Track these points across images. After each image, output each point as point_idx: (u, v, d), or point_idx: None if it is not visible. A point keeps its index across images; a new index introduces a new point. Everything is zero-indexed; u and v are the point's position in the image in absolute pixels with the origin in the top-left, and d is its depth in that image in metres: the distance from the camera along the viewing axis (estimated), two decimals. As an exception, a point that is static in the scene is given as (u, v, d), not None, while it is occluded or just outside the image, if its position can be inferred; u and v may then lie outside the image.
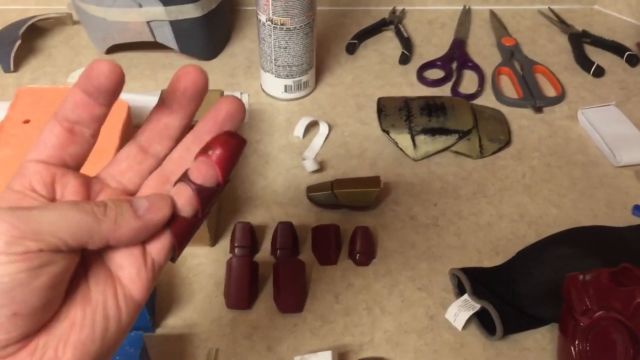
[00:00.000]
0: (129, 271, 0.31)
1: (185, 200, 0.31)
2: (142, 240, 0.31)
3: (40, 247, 0.26)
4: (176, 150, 0.33)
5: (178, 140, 0.33)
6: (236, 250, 0.61)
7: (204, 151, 0.32)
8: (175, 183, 0.32)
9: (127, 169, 0.33)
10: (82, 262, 0.30)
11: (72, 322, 0.28)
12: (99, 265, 0.30)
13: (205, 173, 0.31)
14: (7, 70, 0.82)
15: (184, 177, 0.32)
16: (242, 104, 0.33)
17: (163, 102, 0.32)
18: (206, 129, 0.33)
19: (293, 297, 0.58)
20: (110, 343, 0.30)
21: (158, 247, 0.31)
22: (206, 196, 0.32)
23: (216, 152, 0.32)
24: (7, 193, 0.29)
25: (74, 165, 0.31)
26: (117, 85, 0.29)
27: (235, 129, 0.33)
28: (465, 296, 0.57)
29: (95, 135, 0.31)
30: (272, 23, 0.72)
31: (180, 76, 0.32)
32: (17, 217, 0.26)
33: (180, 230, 0.32)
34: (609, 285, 0.49)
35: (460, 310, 0.57)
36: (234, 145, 0.32)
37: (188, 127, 0.34)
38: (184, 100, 0.32)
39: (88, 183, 0.32)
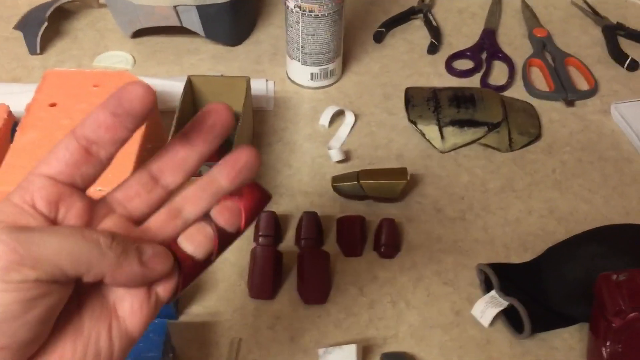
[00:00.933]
0: (130, 304, 0.29)
1: (201, 242, 0.31)
2: (136, 286, 0.29)
3: (39, 277, 0.24)
4: (191, 188, 0.32)
5: (190, 175, 0.32)
6: (260, 239, 0.60)
7: (235, 196, 0.32)
8: (196, 221, 0.31)
9: (134, 196, 0.31)
10: (76, 292, 0.28)
11: (60, 356, 0.27)
12: (95, 296, 0.29)
13: (230, 216, 0.31)
14: (33, 52, 0.82)
15: (206, 217, 0.32)
16: (258, 155, 0.32)
17: (185, 134, 0.31)
18: (224, 173, 0.32)
19: (317, 288, 0.57)
20: None
21: (165, 285, 0.30)
22: (224, 241, 0.32)
23: (244, 199, 0.32)
24: (4, 205, 0.28)
25: (82, 186, 0.29)
26: (149, 110, 0.28)
27: (252, 176, 0.32)
28: (493, 292, 0.56)
29: (110, 159, 0.29)
30: (300, 9, 0.71)
31: (210, 111, 0.31)
32: (17, 239, 0.24)
33: (190, 270, 0.31)
34: (643, 286, 0.48)
35: (487, 307, 0.56)
36: (261, 198, 0.32)
37: (201, 164, 0.32)
38: (209, 136, 0.31)
39: (93, 206, 0.30)
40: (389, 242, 0.61)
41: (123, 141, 0.29)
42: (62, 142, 0.29)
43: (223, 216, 0.31)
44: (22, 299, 0.24)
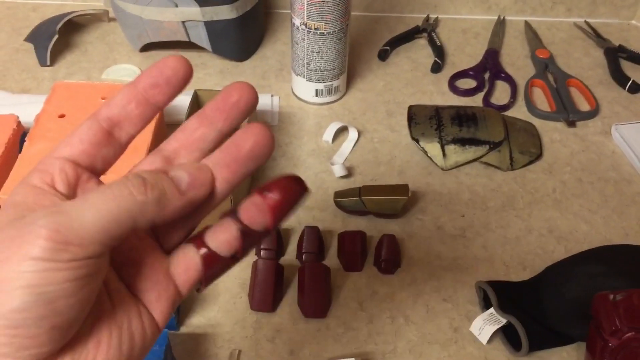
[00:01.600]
0: (149, 296, 0.29)
1: (226, 239, 0.30)
2: (188, 213, 0.28)
3: (88, 253, 0.24)
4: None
5: (208, 153, 0.31)
6: (262, 252, 0.61)
7: (261, 191, 0.29)
8: (223, 216, 0.30)
9: None
10: (106, 285, 0.28)
11: (97, 341, 0.27)
12: (119, 286, 0.29)
13: (254, 216, 0.29)
14: (43, 64, 0.83)
15: (232, 213, 0.30)
16: (271, 137, 0.30)
17: (205, 112, 0.30)
18: (225, 163, 0.30)
19: (317, 302, 0.58)
20: None
21: (184, 279, 0.30)
22: (250, 239, 0.30)
23: (273, 196, 0.29)
24: (23, 187, 0.27)
25: (100, 170, 0.30)
26: (188, 78, 0.29)
27: (260, 165, 0.30)
28: (491, 310, 0.56)
29: (128, 142, 0.30)
30: (306, 27, 0.72)
31: (235, 88, 0.30)
32: (56, 222, 0.24)
33: (213, 267, 0.30)
34: (640, 306, 0.48)
35: (485, 324, 0.56)
36: (295, 193, 0.29)
37: (220, 142, 0.31)
38: (232, 112, 0.30)
39: None
40: (389, 257, 0.61)
41: (148, 119, 0.30)
42: (84, 125, 0.29)
43: (248, 214, 0.29)
44: (75, 277, 0.24)
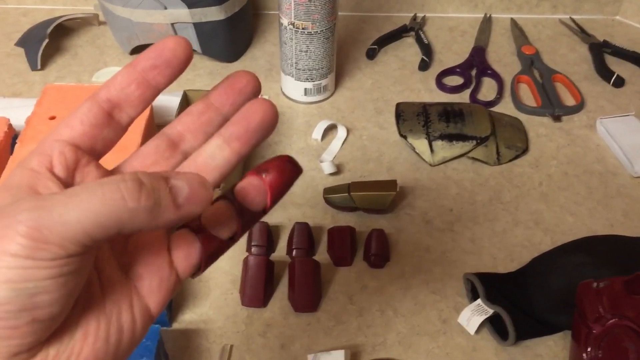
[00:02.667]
0: (149, 282, 0.28)
1: (224, 221, 0.29)
2: (172, 227, 0.27)
3: (69, 253, 0.23)
4: (200, 154, 0.30)
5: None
6: (253, 249, 0.62)
7: (257, 172, 0.30)
8: (218, 199, 0.30)
9: (151, 164, 0.30)
10: (96, 268, 0.28)
11: (85, 332, 0.26)
12: (114, 272, 0.28)
13: (254, 196, 0.29)
14: (34, 68, 0.84)
15: (229, 194, 0.30)
16: (275, 110, 0.30)
17: (210, 97, 0.30)
18: (236, 135, 0.30)
19: (307, 296, 0.59)
20: (122, 356, 0.28)
21: (184, 264, 0.29)
22: (248, 220, 0.30)
23: (270, 176, 0.29)
24: (20, 170, 0.26)
25: (100, 153, 0.29)
26: (188, 59, 0.29)
27: (267, 137, 0.31)
28: (479, 301, 0.57)
29: (129, 124, 0.30)
30: (293, 27, 0.73)
31: (241, 74, 0.30)
32: (37, 218, 0.22)
33: (212, 250, 0.29)
34: (622, 293, 0.49)
35: (473, 315, 0.57)
36: (290, 173, 0.30)
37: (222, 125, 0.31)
38: (240, 97, 0.30)
39: (107, 176, 0.29)
40: (379, 252, 0.62)
41: (148, 100, 0.29)
42: (83, 106, 0.28)
43: (247, 195, 0.29)
44: (57, 274, 0.23)
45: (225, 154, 0.30)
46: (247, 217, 0.30)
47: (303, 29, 0.73)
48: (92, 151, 0.29)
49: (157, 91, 0.29)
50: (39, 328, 0.24)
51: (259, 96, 0.31)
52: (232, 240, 0.30)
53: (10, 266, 0.22)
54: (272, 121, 0.30)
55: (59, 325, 0.25)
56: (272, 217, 0.67)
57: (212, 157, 0.30)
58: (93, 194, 0.23)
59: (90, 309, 0.27)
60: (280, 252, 0.64)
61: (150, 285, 0.29)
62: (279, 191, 0.30)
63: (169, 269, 0.29)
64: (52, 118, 0.65)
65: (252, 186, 0.30)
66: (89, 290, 0.27)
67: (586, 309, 0.51)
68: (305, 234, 0.63)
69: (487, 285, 0.58)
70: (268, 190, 0.29)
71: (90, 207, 0.23)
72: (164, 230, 0.30)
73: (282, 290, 0.61)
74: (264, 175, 0.30)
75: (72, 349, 0.26)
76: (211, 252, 0.29)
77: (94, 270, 0.27)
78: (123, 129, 0.30)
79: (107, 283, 0.28)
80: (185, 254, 0.29)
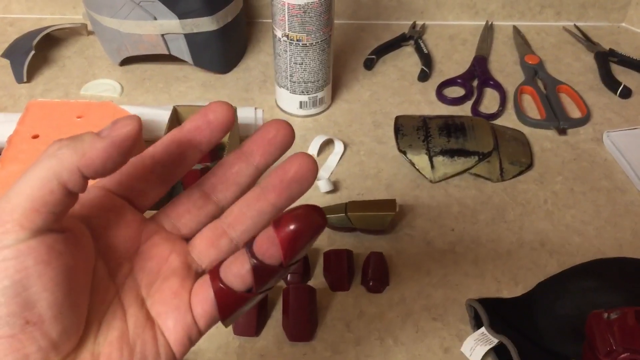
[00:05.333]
0: (166, 320, 0.29)
1: (238, 273, 0.29)
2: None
3: (31, 230, 0.23)
4: (237, 204, 0.31)
5: (246, 189, 0.31)
6: (245, 273, 0.59)
7: (275, 224, 0.28)
8: (243, 245, 0.30)
9: (184, 212, 0.31)
10: (120, 298, 0.28)
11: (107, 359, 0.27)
12: (137, 306, 0.29)
13: (266, 250, 0.28)
14: (20, 81, 0.81)
15: (249, 245, 0.29)
16: (315, 164, 0.29)
17: (242, 148, 0.31)
18: (272, 185, 0.30)
19: (303, 325, 0.56)
20: None
21: (200, 309, 0.29)
22: (265, 274, 0.28)
23: (286, 229, 0.27)
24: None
25: (133, 202, 0.30)
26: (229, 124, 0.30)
27: (304, 191, 0.30)
28: (483, 329, 0.55)
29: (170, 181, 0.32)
30: (287, 39, 0.70)
31: (272, 125, 0.30)
32: None
33: (226, 301, 0.28)
34: (635, 325, 0.47)
35: (477, 344, 0.54)
36: (309, 225, 0.27)
37: (257, 178, 0.32)
38: (269, 147, 0.30)
39: (142, 222, 0.30)
40: (377, 276, 0.59)
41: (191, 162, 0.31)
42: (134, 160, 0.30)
43: (262, 247, 0.28)
44: (26, 264, 0.24)
45: (261, 205, 0.30)
46: (263, 271, 0.28)
47: (297, 40, 0.70)
48: (125, 197, 0.30)
49: (200, 152, 0.31)
50: (37, 334, 0.24)
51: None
52: (250, 293, 0.29)
53: None
54: (308, 173, 0.29)
55: (72, 345, 0.26)
56: (265, 239, 0.64)
57: (248, 206, 0.30)
58: (28, 169, 0.25)
59: (112, 337, 0.27)
60: (274, 276, 0.61)
61: (168, 325, 0.29)
62: (296, 245, 0.27)
63: (185, 312, 0.29)
64: (35, 137, 0.62)
65: (266, 237, 0.28)
66: (111, 318, 0.28)
67: (597, 342, 0.48)
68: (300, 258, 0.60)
69: (491, 312, 0.55)
70: (281, 244, 0.27)
71: (27, 175, 0.24)
72: (187, 272, 0.30)
73: (276, 317, 0.58)
74: (280, 227, 0.27)
75: None
76: (226, 304, 0.29)
77: (118, 298, 0.28)
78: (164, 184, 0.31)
79: (130, 315, 0.28)
80: (201, 299, 0.29)
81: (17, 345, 0.24)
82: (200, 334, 0.30)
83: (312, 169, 0.29)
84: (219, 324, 0.57)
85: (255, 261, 0.28)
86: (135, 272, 0.29)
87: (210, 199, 0.31)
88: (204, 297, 0.29)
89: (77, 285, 0.26)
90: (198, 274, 0.31)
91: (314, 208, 0.28)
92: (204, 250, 0.31)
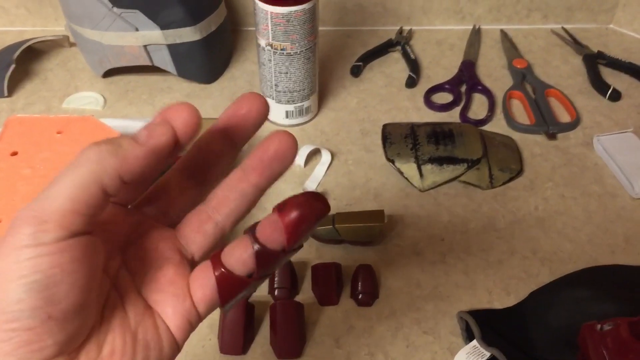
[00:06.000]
0: (170, 310, 0.29)
1: (240, 257, 0.29)
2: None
3: (70, 230, 0.24)
4: (220, 187, 0.31)
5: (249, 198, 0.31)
6: (231, 289, 0.58)
7: (279, 209, 0.28)
8: (244, 233, 0.30)
9: (170, 200, 0.32)
10: (117, 290, 0.29)
11: (112, 348, 0.27)
12: (135, 296, 0.29)
13: (269, 235, 0.28)
14: (0, 95, 0.79)
15: (252, 230, 0.29)
16: (294, 141, 0.29)
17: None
18: (253, 165, 0.30)
19: (291, 341, 0.55)
20: None
21: (200, 296, 0.30)
22: (267, 259, 0.29)
23: (290, 215, 0.27)
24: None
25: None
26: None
27: (284, 169, 0.30)
28: (475, 342, 0.53)
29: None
30: (271, 48, 0.69)
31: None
32: (32, 207, 0.24)
33: (227, 285, 0.29)
34: (629, 337, 0.45)
35: (468, 357, 0.53)
36: (312, 210, 0.28)
37: (260, 196, 0.32)
38: (245, 124, 0.31)
39: (127, 213, 0.31)
40: (366, 289, 0.58)
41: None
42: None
43: (265, 232, 0.28)
44: (62, 260, 0.24)
45: (243, 186, 0.30)
46: (265, 256, 0.28)
47: (282, 49, 0.69)
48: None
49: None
50: (57, 329, 0.24)
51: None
52: (251, 279, 0.29)
53: (19, 259, 0.23)
54: (288, 151, 0.29)
55: (83, 337, 0.26)
56: (252, 253, 0.62)
57: (230, 188, 0.31)
58: (67, 170, 0.25)
59: (114, 325, 0.28)
60: (261, 290, 0.60)
61: (167, 312, 0.29)
62: (299, 230, 0.28)
63: (183, 298, 0.29)
64: (14, 154, 0.61)
65: (271, 223, 0.28)
66: (111, 307, 0.28)
67: (590, 354, 0.47)
68: (287, 272, 0.58)
69: (482, 324, 0.54)
70: (285, 229, 0.28)
71: (67, 178, 0.25)
72: (180, 259, 0.31)
73: (263, 334, 0.56)
74: (283, 212, 0.28)
75: None
76: (227, 289, 0.29)
77: (115, 289, 0.28)
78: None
79: (128, 303, 0.29)
80: (201, 284, 0.30)
81: (34, 338, 0.24)
82: (200, 318, 0.30)
83: (292, 146, 0.29)
84: (205, 342, 0.56)
85: (258, 246, 0.28)
86: (126, 262, 0.30)
87: (212, 220, 0.31)
88: (204, 282, 0.29)
89: (95, 283, 0.26)
90: (189, 261, 0.31)
91: (316, 195, 0.28)
92: (190, 236, 0.31)
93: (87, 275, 0.25)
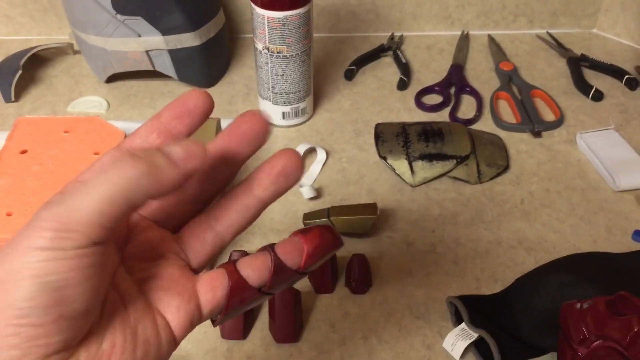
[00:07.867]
0: (169, 306, 0.30)
1: (257, 267, 0.31)
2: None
3: (90, 240, 0.24)
4: (224, 198, 0.32)
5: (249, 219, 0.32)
6: (232, 279, 0.60)
7: (301, 231, 0.31)
8: (262, 248, 0.32)
9: (167, 204, 0.33)
10: (116, 286, 0.29)
11: (112, 343, 0.27)
12: (135, 293, 0.29)
13: (289, 252, 0.31)
14: (8, 100, 0.83)
15: (270, 246, 0.31)
16: (301, 160, 0.31)
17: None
18: (259, 179, 0.31)
19: (288, 326, 0.57)
20: None
21: (207, 298, 0.30)
22: (281, 275, 0.31)
23: (312, 239, 0.31)
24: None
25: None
26: (208, 111, 0.31)
27: (289, 187, 0.31)
28: (463, 325, 0.56)
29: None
30: (268, 51, 0.72)
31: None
32: (57, 212, 0.24)
33: (239, 292, 0.30)
34: (606, 314, 0.48)
35: (457, 340, 0.56)
36: (330, 243, 0.31)
37: (263, 209, 0.33)
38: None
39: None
40: (360, 277, 0.61)
41: None
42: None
43: (284, 249, 0.31)
44: (81, 265, 0.24)
45: (247, 199, 0.31)
46: (280, 270, 0.31)
47: (278, 52, 0.72)
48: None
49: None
50: (65, 327, 0.25)
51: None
52: (260, 292, 0.31)
53: (36, 260, 0.24)
54: (294, 168, 0.31)
55: (85, 333, 0.26)
56: (251, 245, 0.65)
57: (234, 199, 0.32)
58: (98, 178, 0.25)
59: (114, 320, 0.28)
60: (260, 281, 0.62)
61: (171, 309, 0.30)
62: (316, 255, 0.31)
63: (189, 297, 0.30)
64: (24, 152, 0.64)
65: (291, 242, 0.31)
66: (112, 303, 0.28)
67: (571, 331, 0.50)
68: (285, 262, 0.61)
69: (471, 309, 0.57)
70: (305, 250, 0.31)
71: (98, 189, 0.25)
72: (182, 261, 0.31)
73: (262, 320, 0.59)
74: (306, 236, 0.31)
75: (100, 359, 0.27)
76: (236, 293, 0.30)
77: (113, 287, 0.29)
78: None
79: (128, 300, 0.29)
80: (212, 286, 0.30)
81: (42, 334, 0.24)
82: (201, 320, 0.31)
83: (299, 165, 0.31)
84: (207, 328, 0.58)
85: (277, 260, 0.31)
86: (125, 260, 0.30)
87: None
88: (216, 284, 0.30)
89: (105, 286, 0.27)
90: (188, 265, 0.32)
91: (334, 231, 0.32)
92: (188, 242, 0.32)
93: (101, 279, 0.26)
